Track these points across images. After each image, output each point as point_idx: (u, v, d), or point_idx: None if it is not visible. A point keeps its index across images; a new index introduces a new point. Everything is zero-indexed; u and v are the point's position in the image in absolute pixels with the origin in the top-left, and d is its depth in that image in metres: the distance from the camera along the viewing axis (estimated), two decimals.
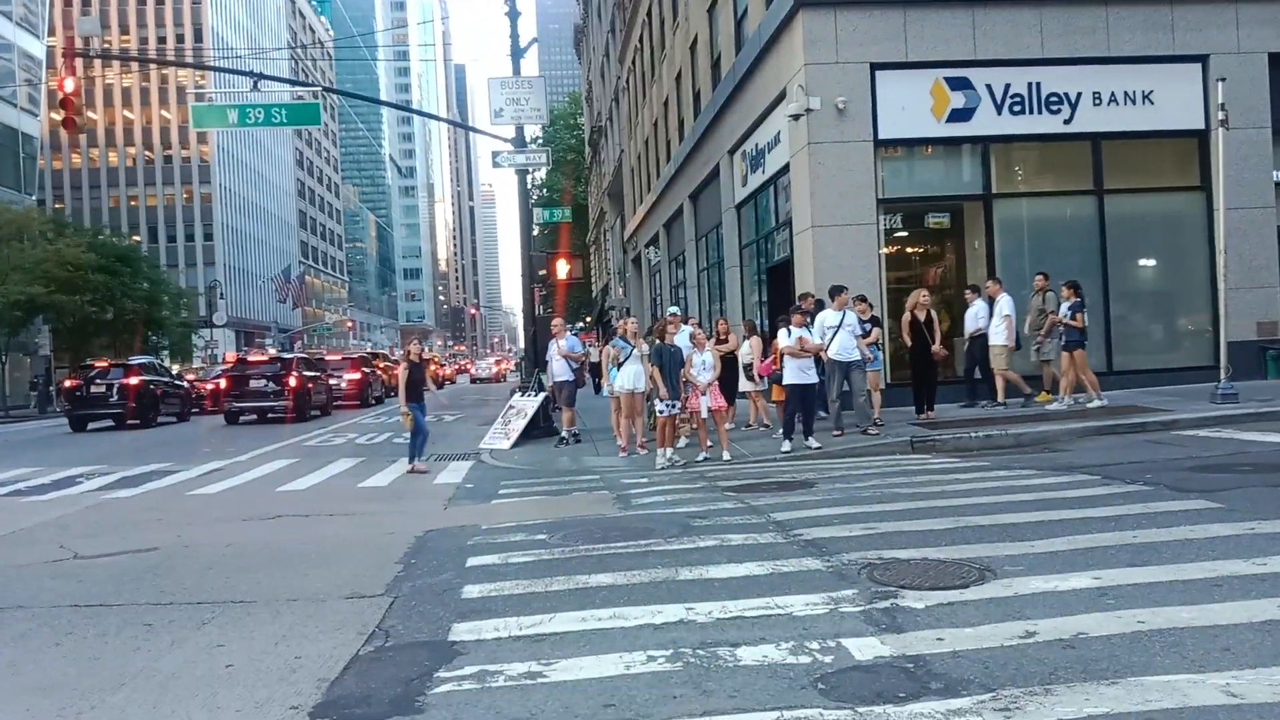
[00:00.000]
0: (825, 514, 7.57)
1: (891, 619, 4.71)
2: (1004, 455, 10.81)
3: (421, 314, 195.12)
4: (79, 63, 19.42)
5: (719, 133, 22.51)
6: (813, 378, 12.10)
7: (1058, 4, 15.95)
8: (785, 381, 12.14)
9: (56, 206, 75.77)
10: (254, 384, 26.10)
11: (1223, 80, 13.46)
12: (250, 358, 30.71)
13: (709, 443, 12.40)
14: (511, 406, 17.28)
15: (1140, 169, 16.66)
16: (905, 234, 16.66)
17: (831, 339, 12.49)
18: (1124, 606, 4.63)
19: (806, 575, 5.69)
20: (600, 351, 22.41)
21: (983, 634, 4.38)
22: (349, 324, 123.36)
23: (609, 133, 50.63)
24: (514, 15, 19.50)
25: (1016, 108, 16.02)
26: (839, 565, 5.86)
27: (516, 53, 19.46)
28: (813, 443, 11.99)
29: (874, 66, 15.64)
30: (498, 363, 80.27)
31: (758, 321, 18.42)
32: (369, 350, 63.04)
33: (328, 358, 36.91)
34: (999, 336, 14.10)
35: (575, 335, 20.46)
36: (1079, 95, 16.08)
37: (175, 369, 41.34)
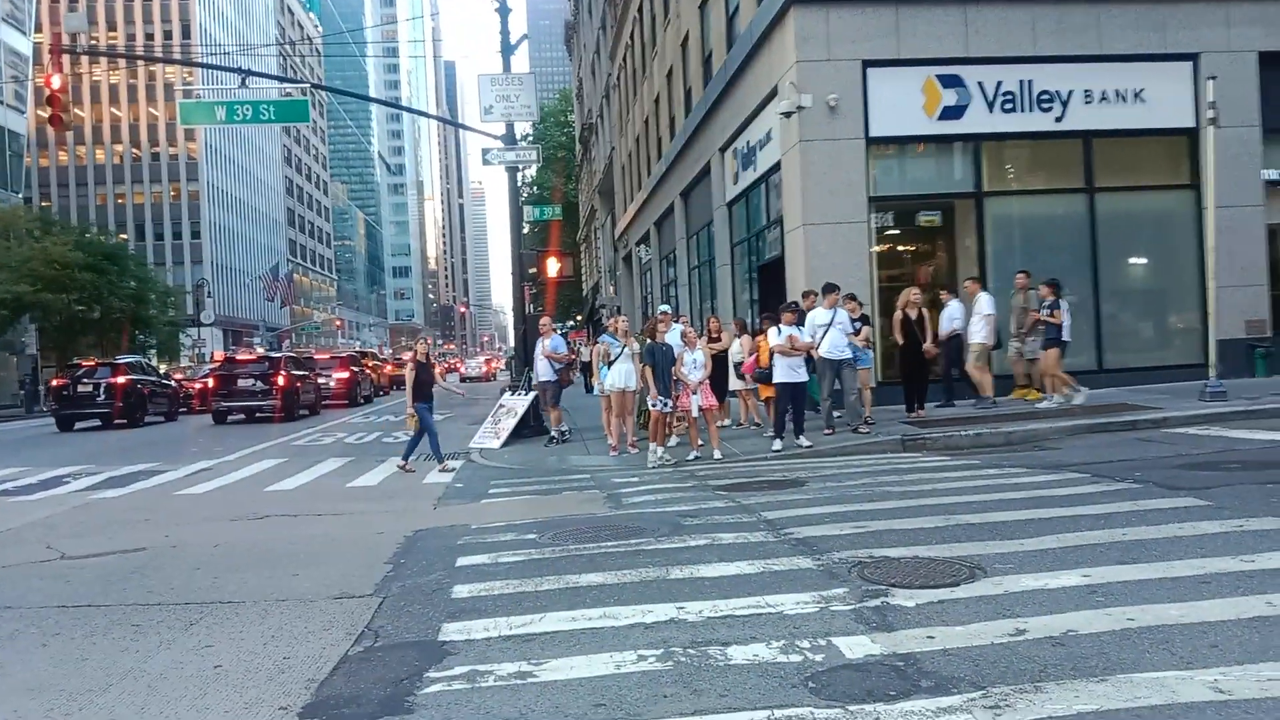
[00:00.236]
0: (816, 512, 7.58)
1: (882, 617, 4.71)
2: (994, 453, 10.84)
3: (411, 312, 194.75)
4: (66, 59, 19.30)
5: (710, 130, 22.51)
6: (803, 376, 12.10)
7: (1050, 2, 15.97)
8: (775, 380, 12.14)
9: (43, 204, 75.30)
10: (242, 383, 25.99)
11: (1213, 79, 13.49)
12: (238, 357, 30.68)
13: (700, 441, 12.40)
14: (501, 405, 17.26)
15: (1131, 167, 16.72)
16: (896, 232, 16.66)
17: (822, 337, 12.50)
18: (1113, 604, 4.65)
19: (797, 574, 5.68)
20: (591, 350, 22.40)
21: (973, 632, 4.39)
22: (338, 323, 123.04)
23: (600, 130, 50.57)
24: (504, 11, 19.45)
25: (1008, 105, 16.05)
26: (830, 564, 5.86)
27: (507, 49, 19.40)
28: (803, 441, 12.00)
29: (866, 64, 15.64)
30: (487, 361, 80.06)
31: (749, 320, 18.40)
32: (358, 349, 62.92)
33: (316, 357, 36.78)
34: (978, 335, 14.12)
35: (563, 335, 20.45)
36: (1070, 93, 16.12)
37: (163, 368, 41.16)
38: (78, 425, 26.14)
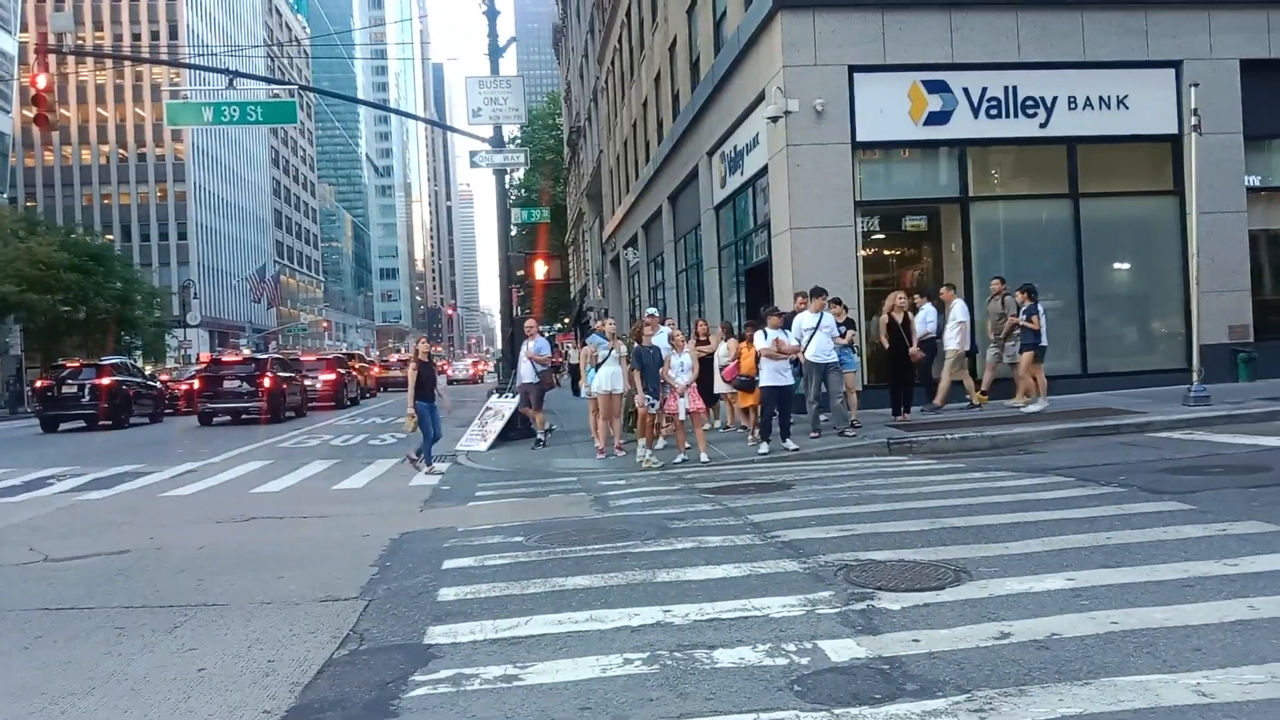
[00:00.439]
0: (802, 516, 7.59)
1: (867, 620, 4.73)
2: (980, 457, 10.89)
3: (398, 314, 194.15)
4: (52, 59, 19.19)
5: (698, 134, 22.54)
6: (789, 380, 12.13)
7: (1035, 8, 16.06)
8: (761, 383, 12.17)
9: (29, 204, 74.79)
10: (228, 385, 25.87)
11: (1196, 86, 13.59)
12: (224, 358, 30.47)
13: (687, 444, 12.40)
14: (489, 408, 17.23)
15: (1115, 173, 16.82)
16: (883, 236, 16.73)
17: (809, 341, 12.53)
18: (1098, 607, 4.67)
19: (783, 577, 5.69)
20: (579, 352, 22.39)
21: (958, 635, 4.40)
22: (324, 324, 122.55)
23: (588, 133, 50.57)
24: (492, 14, 19.44)
25: (993, 111, 16.13)
26: (816, 567, 5.87)
27: (495, 52, 19.39)
28: (790, 444, 12.02)
29: (852, 69, 15.70)
30: (475, 364, 79.82)
31: (734, 324, 18.42)
32: (344, 351, 62.70)
33: (303, 358, 36.69)
34: (952, 341, 14.19)
35: (549, 338, 20.41)
36: (1055, 99, 16.21)
37: (148, 369, 40.95)
38: (62, 426, 25.98)
